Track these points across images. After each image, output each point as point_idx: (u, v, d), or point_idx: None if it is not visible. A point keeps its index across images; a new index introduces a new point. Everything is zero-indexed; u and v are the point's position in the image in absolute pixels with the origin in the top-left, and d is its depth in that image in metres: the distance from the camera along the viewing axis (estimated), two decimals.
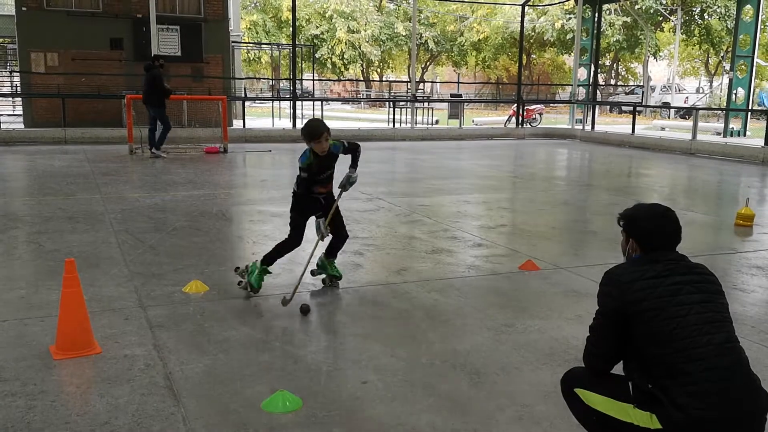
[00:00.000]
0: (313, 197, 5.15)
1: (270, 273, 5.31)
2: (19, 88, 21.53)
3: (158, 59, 14.73)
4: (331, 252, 5.50)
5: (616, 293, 2.66)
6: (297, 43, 24.59)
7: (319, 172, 5.08)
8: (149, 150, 14.36)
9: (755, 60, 20.46)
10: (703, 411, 2.45)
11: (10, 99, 24.42)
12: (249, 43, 41.47)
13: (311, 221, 5.24)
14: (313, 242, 5.30)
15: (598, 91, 25.74)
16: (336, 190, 5.26)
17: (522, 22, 24.63)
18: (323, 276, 5.53)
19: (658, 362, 2.55)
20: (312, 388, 3.67)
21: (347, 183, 5.19)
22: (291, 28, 22.61)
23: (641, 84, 44.40)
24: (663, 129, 26.19)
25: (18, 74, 21.38)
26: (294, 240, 5.23)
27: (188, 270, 5.84)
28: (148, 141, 14.46)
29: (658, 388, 2.54)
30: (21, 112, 20.41)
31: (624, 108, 37.84)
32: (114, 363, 3.93)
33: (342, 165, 5.28)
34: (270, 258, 5.27)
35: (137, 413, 3.37)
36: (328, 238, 5.34)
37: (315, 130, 4.91)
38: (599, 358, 2.77)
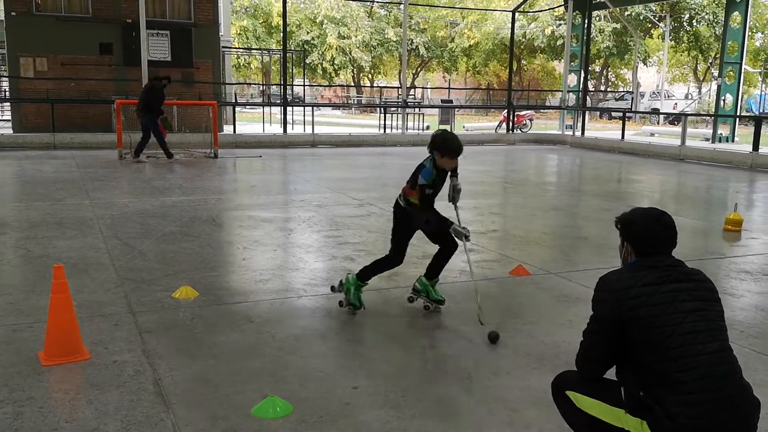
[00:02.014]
0: (434, 209, 4.82)
1: (365, 285, 4.98)
2: (7, 93, 21.43)
3: (167, 78, 14.75)
4: (434, 272, 5.10)
5: (611, 299, 2.65)
6: (287, 48, 24.61)
7: (438, 188, 4.80)
8: (160, 155, 14.54)
9: (743, 66, 20.61)
10: (695, 420, 2.44)
11: None
12: (239, 48, 41.44)
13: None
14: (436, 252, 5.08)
15: (588, 97, 25.85)
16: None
17: (512, 28, 24.75)
18: (423, 302, 5.09)
19: (652, 369, 2.54)
20: (302, 394, 3.66)
21: (455, 193, 4.95)
22: (281, 34, 22.62)
23: (631, 90, 44.67)
24: (652, 135, 26.34)
25: (6, 79, 21.27)
26: (396, 260, 4.93)
27: (178, 275, 5.81)
28: (138, 146, 14.48)
29: (650, 396, 2.53)
30: (9, 117, 20.30)
31: (614, 114, 37.99)
32: (103, 369, 3.90)
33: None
34: (366, 274, 4.94)
35: (126, 419, 3.34)
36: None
37: (459, 148, 4.65)
38: (592, 363, 2.77)
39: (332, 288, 5.11)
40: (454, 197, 4.89)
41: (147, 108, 14.15)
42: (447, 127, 23.98)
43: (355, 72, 50.90)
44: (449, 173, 4.83)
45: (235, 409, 3.48)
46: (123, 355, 4.10)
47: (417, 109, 26.49)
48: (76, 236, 7.24)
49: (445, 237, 4.88)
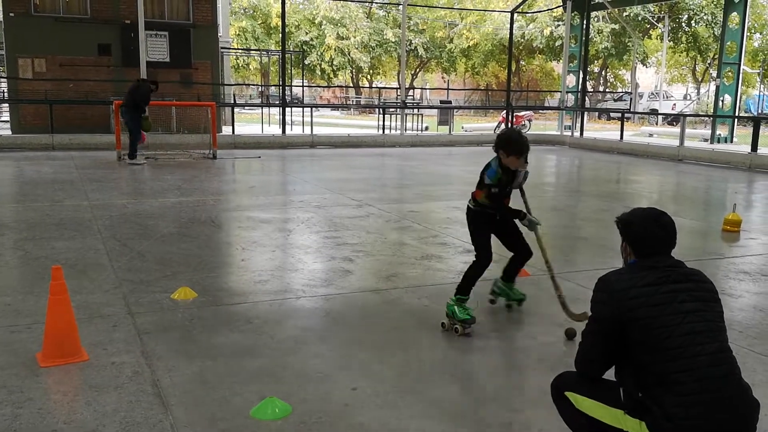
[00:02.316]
0: (488, 213, 4.79)
1: (467, 299, 4.80)
2: (6, 94, 21.41)
3: (155, 84, 14.61)
4: (511, 275, 5.14)
5: (611, 300, 2.65)
6: (286, 49, 24.61)
7: (506, 186, 4.74)
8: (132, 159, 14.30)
9: (741, 67, 20.63)
10: (694, 421, 2.44)
11: None
12: (238, 49, 41.43)
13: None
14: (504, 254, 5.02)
15: (586, 98, 25.86)
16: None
17: (511, 29, 24.75)
18: (504, 302, 5.12)
19: (651, 370, 2.54)
20: (301, 395, 3.66)
21: (522, 179, 4.86)
22: (280, 35, 22.63)
23: (629, 91, 44.70)
24: (651, 135, 26.36)
25: (5, 80, 21.25)
26: (482, 261, 4.80)
27: (177, 277, 5.81)
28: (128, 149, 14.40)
29: (649, 397, 2.53)
30: (8, 119, 20.29)
31: (612, 114, 38.03)
32: (101, 370, 3.90)
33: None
34: (463, 289, 4.79)
35: (125, 421, 3.34)
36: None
37: (524, 146, 4.59)
38: (591, 363, 2.77)
39: (442, 325, 4.72)
40: (520, 183, 4.84)
41: (130, 106, 14.02)
42: (446, 128, 24.04)
43: (353, 73, 50.91)
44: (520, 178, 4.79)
45: (234, 410, 3.47)
46: (121, 357, 4.09)
47: (416, 110, 26.51)
48: (75, 237, 7.23)
49: (520, 244, 4.94)
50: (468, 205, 4.91)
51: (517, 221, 4.84)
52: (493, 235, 4.87)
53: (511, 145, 4.55)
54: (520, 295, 5.15)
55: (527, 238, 4.99)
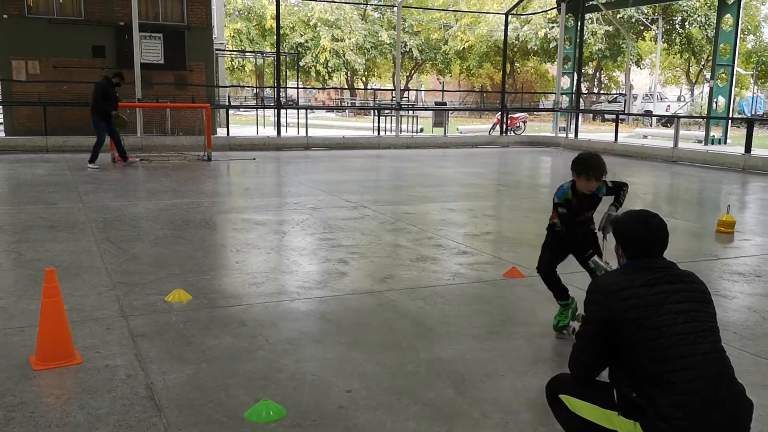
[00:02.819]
0: (576, 233, 4.52)
1: (572, 304, 4.69)
2: None
3: (117, 76, 14.08)
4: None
5: (604, 301, 2.66)
6: (281, 51, 24.59)
7: (578, 213, 4.48)
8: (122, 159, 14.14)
9: (735, 69, 20.70)
10: (687, 421, 2.45)
11: None
12: (233, 51, 41.42)
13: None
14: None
15: (581, 100, 25.91)
16: (598, 233, 4.58)
17: (506, 30, 24.80)
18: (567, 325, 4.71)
19: (644, 371, 2.55)
20: (296, 398, 3.65)
21: (608, 223, 4.41)
22: (275, 36, 22.60)
23: (624, 92, 44.81)
24: (645, 137, 26.43)
25: None
26: (547, 271, 4.74)
27: (171, 279, 5.79)
28: (117, 152, 14.22)
29: (642, 397, 2.53)
30: (1, 121, 20.22)
31: (607, 116, 38.14)
32: (95, 373, 3.88)
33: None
34: (557, 294, 4.72)
35: (118, 424, 3.32)
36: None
37: (598, 167, 4.30)
38: (585, 365, 2.77)
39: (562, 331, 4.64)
40: (604, 227, 4.44)
41: (93, 109, 13.64)
42: (441, 130, 24.04)
43: (348, 74, 50.94)
44: (612, 202, 4.50)
45: (228, 412, 3.46)
46: (115, 360, 4.08)
47: (411, 112, 26.51)
48: (69, 239, 7.21)
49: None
50: (549, 223, 4.75)
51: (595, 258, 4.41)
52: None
53: (580, 163, 4.34)
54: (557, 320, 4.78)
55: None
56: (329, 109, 44.11)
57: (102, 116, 13.56)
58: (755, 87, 44.28)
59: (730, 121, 21.86)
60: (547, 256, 4.73)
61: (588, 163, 4.31)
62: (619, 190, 4.55)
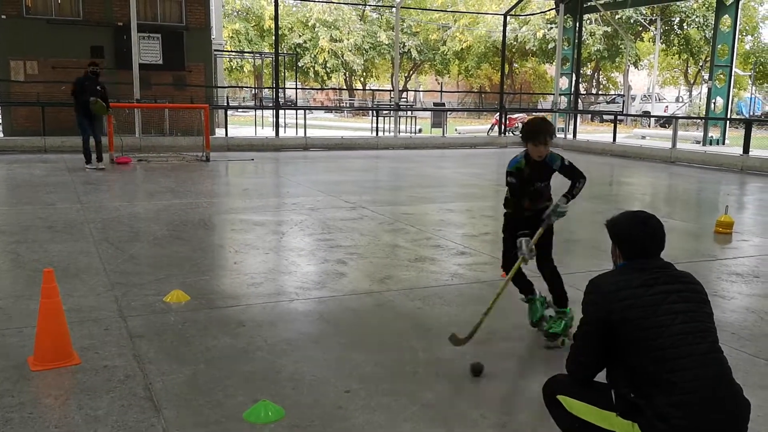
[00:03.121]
0: (523, 218, 4.47)
1: (538, 298, 4.69)
2: None
3: (91, 64, 13.40)
4: (558, 298, 4.69)
5: (601, 302, 2.66)
6: (280, 51, 24.59)
7: (530, 182, 4.42)
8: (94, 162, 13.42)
9: (733, 69, 20.73)
10: (686, 421, 2.45)
11: None
12: (231, 51, 41.40)
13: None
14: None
15: (579, 100, 25.94)
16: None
17: (504, 31, 24.80)
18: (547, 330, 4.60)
19: (642, 371, 2.55)
20: (294, 398, 3.65)
21: (553, 213, 4.40)
22: (274, 37, 22.60)
23: (622, 93, 44.84)
24: (643, 137, 26.45)
25: None
26: (510, 260, 4.59)
27: (169, 279, 5.79)
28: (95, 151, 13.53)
29: (641, 398, 2.54)
30: (0, 121, 20.20)
31: (605, 117, 38.16)
32: (93, 374, 3.88)
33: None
34: (523, 289, 4.70)
35: (117, 425, 3.32)
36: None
37: (536, 129, 4.27)
38: (583, 365, 2.77)
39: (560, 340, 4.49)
40: (549, 215, 4.42)
41: (76, 105, 13.14)
42: (439, 131, 24.03)
43: (347, 75, 50.92)
44: (565, 192, 4.42)
45: (227, 413, 3.46)
46: (113, 360, 4.07)
47: (409, 113, 26.52)
48: (67, 240, 7.20)
49: (543, 258, 4.63)
50: (504, 208, 4.68)
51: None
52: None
53: (528, 129, 4.32)
54: (553, 327, 4.57)
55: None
56: (328, 109, 44.08)
57: (83, 113, 13.13)
58: (753, 88, 44.31)
59: (728, 121, 21.89)
60: (510, 252, 4.60)
61: (533, 127, 4.31)
62: (575, 179, 4.46)
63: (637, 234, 2.77)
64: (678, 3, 39.64)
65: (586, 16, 29.64)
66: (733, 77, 20.80)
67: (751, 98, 42.21)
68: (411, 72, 52.02)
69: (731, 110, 23.44)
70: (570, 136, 22.47)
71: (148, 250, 6.86)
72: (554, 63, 28.36)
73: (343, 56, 45.79)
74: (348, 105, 46.22)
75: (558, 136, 23.21)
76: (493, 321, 4.95)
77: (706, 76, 27.87)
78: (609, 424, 2.62)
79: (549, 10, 33.84)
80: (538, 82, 54.18)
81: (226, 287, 5.82)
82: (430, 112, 28.93)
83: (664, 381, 2.50)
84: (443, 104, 34.93)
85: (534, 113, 37.16)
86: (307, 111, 22.47)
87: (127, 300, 5.22)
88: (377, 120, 22.41)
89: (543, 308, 4.66)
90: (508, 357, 4.28)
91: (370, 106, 36.13)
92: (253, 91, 41.48)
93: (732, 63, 20.43)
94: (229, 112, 22.75)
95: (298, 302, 5.34)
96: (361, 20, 47.28)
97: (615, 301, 2.62)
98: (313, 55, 45.96)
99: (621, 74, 49.87)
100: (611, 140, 20.59)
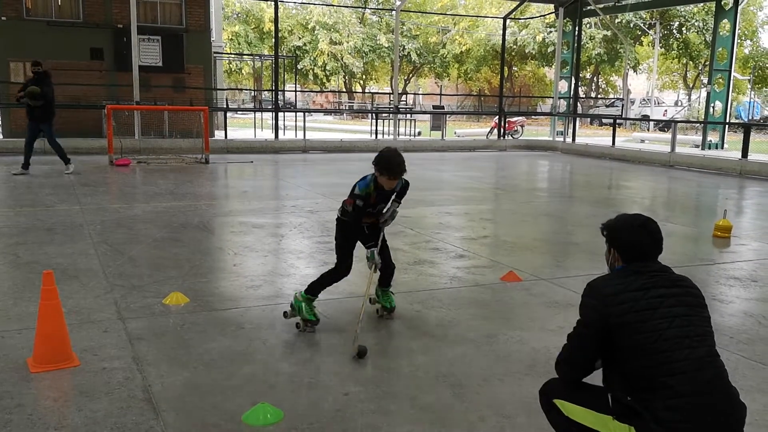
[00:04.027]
0: (361, 226, 4.65)
1: (315, 300, 4.82)
2: None
3: (34, 65, 12.74)
4: (386, 281, 5.09)
5: (599, 305, 2.66)
6: (279, 54, 24.60)
7: (375, 205, 4.64)
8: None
9: (732, 74, 20.76)
10: (683, 424, 2.46)
11: None
12: (231, 53, 41.42)
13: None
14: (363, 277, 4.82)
15: (578, 104, 25.97)
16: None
17: (503, 35, 24.84)
18: (377, 306, 5.11)
19: (639, 375, 2.56)
20: (293, 401, 3.65)
21: (390, 218, 4.76)
22: (273, 39, 22.62)
23: (621, 97, 44.88)
24: (642, 141, 26.46)
25: None
26: (341, 271, 4.80)
27: (168, 282, 5.79)
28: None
29: (638, 401, 2.54)
30: None
31: (604, 120, 38.21)
32: (92, 376, 3.88)
33: None
34: (314, 289, 4.80)
35: (116, 427, 3.33)
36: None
37: (398, 167, 4.41)
38: (573, 366, 2.77)
39: (285, 314, 4.83)
40: (386, 221, 4.73)
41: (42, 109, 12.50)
42: (439, 134, 24.05)
43: (346, 78, 50.95)
44: (393, 197, 4.70)
45: (226, 415, 3.46)
46: (113, 362, 4.08)
47: (408, 115, 26.54)
48: (66, 242, 7.20)
49: (386, 257, 4.86)
50: (337, 215, 4.82)
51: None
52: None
53: (383, 163, 4.41)
54: (388, 303, 5.05)
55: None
56: (327, 112, 44.12)
57: (30, 117, 12.61)
58: (752, 92, 44.37)
59: (727, 126, 21.91)
60: (344, 249, 4.78)
61: (391, 164, 4.39)
62: (405, 187, 4.78)
63: (636, 237, 2.77)
64: (677, 7, 39.72)
65: (585, 20, 29.69)
66: (732, 81, 20.82)
67: (750, 102, 42.26)
68: (410, 75, 52.06)
69: (730, 114, 23.47)
70: (569, 139, 22.49)
71: (148, 252, 6.86)
72: (553, 66, 28.41)
73: (342, 59, 45.83)
74: (347, 108, 46.22)
75: (557, 139, 23.26)
76: (493, 324, 4.96)
77: (705, 80, 27.92)
78: (606, 428, 2.63)
79: (548, 14, 33.89)
80: (538, 85, 54.23)
81: (226, 289, 5.82)
82: (429, 115, 28.93)
83: (661, 384, 2.50)
84: (442, 107, 34.89)
85: (533, 117, 37.24)
86: (306, 113, 22.48)
87: (127, 302, 5.22)
88: (376, 123, 22.43)
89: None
90: (507, 360, 4.29)
91: (369, 108, 36.13)
92: (252, 94, 41.49)
93: (731, 67, 20.45)
94: (229, 115, 22.75)
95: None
96: (360, 23, 47.34)
97: (613, 304, 2.62)
98: (312, 58, 45.99)
99: (620, 78, 49.93)
100: (610, 144, 20.61)
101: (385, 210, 4.73)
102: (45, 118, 12.76)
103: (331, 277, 4.83)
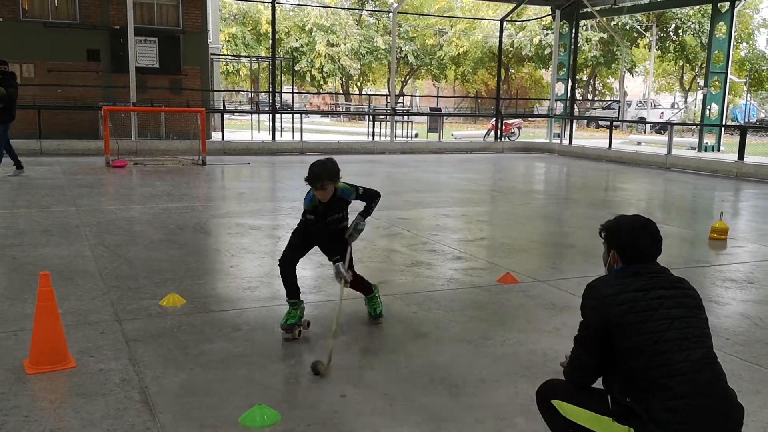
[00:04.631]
0: (322, 227, 4.57)
1: (297, 304, 4.65)
2: None
3: (3, 63, 12.48)
4: (362, 290, 4.99)
5: (599, 306, 2.67)
6: (276, 55, 24.61)
7: (326, 216, 4.54)
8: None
9: (728, 76, 20.82)
10: (681, 425, 2.46)
11: None
12: (228, 55, 41.41)
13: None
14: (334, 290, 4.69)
15: (575, 106, 26.02)
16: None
17: (500, 37, 24.87)
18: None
19: (638, 376, 2.56)
20: (290, 402, 3.65)
21: (354, 231, 4.63)
22: (270, 41, 22.62)
23: (618, 99, 44.96)
24: (639, 143, 26.53)
25: None
26: (286, 258, 4.65)
27: (165, 283, 5.78)
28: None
29: (636, 402, 2.55)
30: None
31: (601, 122, 38.26)
32: (89, 377, 3.87)
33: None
34: (288, 290, 4.68)
35: (112, 428, 3.32)
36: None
37: (313, 177, 4.34)
38: (583, 370, 2.77)
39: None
40: (351, 234, 4.62)
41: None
42: (436, 136, 24.05)
43: (343, 80, 50.97)
44: (360, 211, 4.63)
45: (223, 417, 3.46)
46: (109, 364, 4.07)
47: (405, 117, 26.56)
48: (62, 243, 7.19)
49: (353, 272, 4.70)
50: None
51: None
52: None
53: (308, 177, 4.37)
54: (372, 310, 4.97)
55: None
56: (324, 114, 44.13)
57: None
58: (748, 95, 44.48)
59: (723, 128, 21.98)
60: (292, 245, 4.69)
61: (310, 174, 4.35)
62: (370, 199, 4.67)
63: (637, 238, 2.78)
64: (674, 10, 39.81)
65: (582, 23, 29.77)
66: (728, 84, 20.90)
67: (746, 105, 42.35)
68: (407, 77, 52.09)
69: (726, 117, 23.53)
70: (566, 141, 22.53)
71: (144, 254, 6.85)
72: (550, 69, 28.45)
73: (339, 61, 45.84)
74: (344, 109, 46.23)
75: (554, 141, 23.28)
76: (490, 326, 4.96)
77: (702, 83, 27.98)
78: (604, 429, 2.63)
79: (545, 16, 33.96)
80: (534, 87, 54.31)
81: (222, 291, 5.82)
82: (426, 117, 28.96)
83: (660, 386, 2.51)
84: (439, 109, 34.94)
85: (530, 119, 37.28)
86: (303, 115, 22.50)
87: (123, 303, 5.21)
88: (373, 124, 22.47)
89: (300, 316, 4.65)
90: (504, 361, 4.29)
91: (366, 110, 36.15)
92: (249, 95, 41.48)
93: (727, 70, 20.53)
94: (226, 116, 22.76)
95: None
96: (358, 25, 47.35)
97: (614, 305, 2.63)
98: (309, 60, 45.99)
99: (617, 80, 49.99)
100: (607, 146, 20.64)
101: (349, 225, 4.66)
102: (4, 120, 12.38)
103: (281, 270, 4.66)
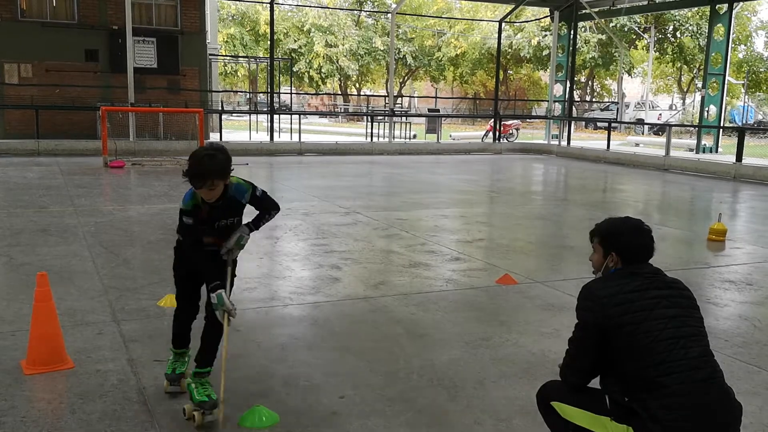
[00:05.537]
0: (204, 251, 3.49)
1: (183, 353, 3.81)
2: None
3: None
4: (204, 355, 3.62)
5: (595, 307, 2.67)
6: (275, 56, 24.60)
7: (211, 220, 3.47)
8: None
9: (726, 78, 20.84)
10: (680, 423, 2.47)
11: None
12: (226, 56, 41.38)
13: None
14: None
15: (573, 107, 26.05)
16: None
17: (499, 38, 24.90)
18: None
19: (636, 375, 2.57)
20: (288, 403, 3.64)
21: (236, 246, 3.56)
22: (269, 42, 22.62)
23: (616, 100, 45.02)
24: (637, 145, 26.56)
25: None
26: (183, 310, 3.75)
27: (163, 284, 5.76)
28: None
29: (634, 401, 2.55)
30: None
31: (599, 124, 38.29)
32: (87, 378, 3.86)
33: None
34: (174, 339, 3.80)
35: (110, 429, 3.31)
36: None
37: (195, 173, 3.30)
38: (578, 371, 2.78)
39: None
40: (231, 250, 3.55)
41: None
42: (434, 137, 24.03)
43: (342, 80, 50.97)
44: (250, 221, 3.64)
45: (222, 418, 3.44)
46: (107, 364, 4.06)
47: (404, 118, 26.56)
48: (60, 244, 7.18)
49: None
50: (177, 240, 3.66)
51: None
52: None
53: (187, 173, 3.32)
54: (203, 397, 3.43)
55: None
56: (322, 114, 44.12)
57: None
58: (746, 96, 44.56)
59: (721, 130, 22.01)
60: (185, 284, 3.71)
61: (192, 168, 3.31)
62: (267, 210, 3.68)
63: (639, 239, 2.81)
64: (672, 11, 39.87)
65: (580, 24, 29.80)
66: (726, 86, 20.93)
67: (743, 107, 42.44)
68: (406, 78, 52.11)
69: (724, 118, 23.56)
70: (564, 143, 22.54)
71: (142, 254, 6.84)
72: (549, 70, 28.47)
73: (338, 61, 45.85)
74: (343, 110, 46.23)
75: (552, 142, 23.29)
76: (488, 327, 4.95)
77: (700, 85, 28.02)
78: (603, 429, 2.63)
79: (544, 18, 34.00)
80: (533, 88, 54.35)
81: None
82: (424, 118, 28.97)
83: (658, 384, 2.52)
84: (438, 110, 34.96)
85: (529, 120, 37.30)
86: (301, 116, 22.50)
87: (121, 304, 5.20)
88: (372, 125, 22.47)
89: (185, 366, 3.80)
90: (503, 363, 4.29)
91: (364, 111, 36.15)
92: (247, 96, 41.47)
93: (725, 71, 20.55)
94: (224, 117, 22.74)
95: (292, 307, 5.34)
96: (356, 26, 47.37)
97: (610, 305, 2.63)
98: (308, 60, 45.99)
99: (615, 82, 50.07)
100: (605, 147, 20.67)
101: (231, 238, 3.55)
102: None
103: (179, 321, 3.75)
